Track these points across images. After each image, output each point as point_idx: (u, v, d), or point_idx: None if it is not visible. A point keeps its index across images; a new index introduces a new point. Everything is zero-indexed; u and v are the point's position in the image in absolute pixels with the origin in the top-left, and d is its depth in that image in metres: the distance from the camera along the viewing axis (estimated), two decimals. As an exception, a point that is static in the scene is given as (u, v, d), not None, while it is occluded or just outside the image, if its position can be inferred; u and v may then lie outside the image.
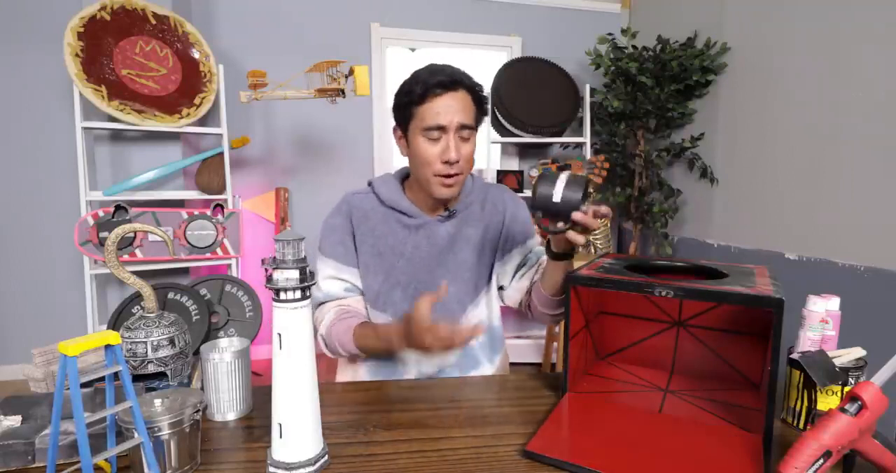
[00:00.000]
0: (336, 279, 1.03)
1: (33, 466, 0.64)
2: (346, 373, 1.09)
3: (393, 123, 1.01)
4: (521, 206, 1.12)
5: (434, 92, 0.90)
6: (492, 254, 1.07)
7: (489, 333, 1.08)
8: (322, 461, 0.64)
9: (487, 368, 1.07)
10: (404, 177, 1.09)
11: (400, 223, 1.02)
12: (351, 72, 2.04)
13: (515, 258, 1.08)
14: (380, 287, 1.02)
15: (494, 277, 1.09)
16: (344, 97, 2.12)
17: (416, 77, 0.93)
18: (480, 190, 1.09)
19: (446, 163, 0.92)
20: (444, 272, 1.03)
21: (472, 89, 0.94)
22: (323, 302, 1.04)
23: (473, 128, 0.95)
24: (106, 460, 0.61)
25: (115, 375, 0.56)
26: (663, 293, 0.72)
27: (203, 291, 1.15)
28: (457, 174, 0.94)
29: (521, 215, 1.10)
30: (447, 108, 0.90)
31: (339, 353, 1.00)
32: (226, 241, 2.32)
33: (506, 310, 1.16)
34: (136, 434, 0.55)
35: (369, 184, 1.09)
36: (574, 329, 0.82)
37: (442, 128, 0.91)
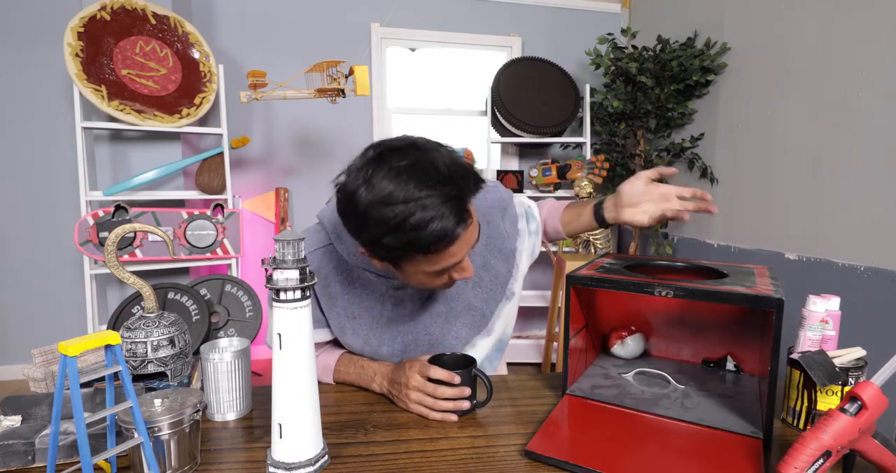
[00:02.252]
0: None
1: (33, 466, 0.64)
2: None
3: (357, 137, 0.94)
4: (511, 208, 0.97)
5: (450, 242, 0.68)
6: (493, 275, 0.93)
7: (497, 344, 0.98)
8: (322, 461, 0.64)
9: (488, 371, 1.06)
10: None
11: (372, 278, 0.87)
12: (351, 72, 2.04)
13: (527, 241, 0.98)
14: (361, 347, 0.90)
15: (514, 286, 0.96)
16: (344, 97, 2.12)
17: (412, 224, 0.64)
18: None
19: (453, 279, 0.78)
20: (433, 315, 0.90)
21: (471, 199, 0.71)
22: None
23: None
24: (106, 460, 0.61)
25: (115, 375, 0.56)
26: (663, 293, 0.72)
27: (203, 291, 1.15)
28: None
29: (511, 223, 0.96)
30: (462, 247, 0.71)
31: None
32: (226, 241, 2.32)
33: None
34: (135, 435, 0.55)
35: (318, 221, 0.90)
36: (574, 329, 0.82)
37: (453, 265, 0.74)
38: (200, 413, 0.64)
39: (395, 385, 0.80)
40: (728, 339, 0.90)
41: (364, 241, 0.71)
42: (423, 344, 0.90)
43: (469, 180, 0.69)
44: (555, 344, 2.65)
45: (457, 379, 0.76)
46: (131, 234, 2.14)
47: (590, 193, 2.39)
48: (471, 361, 0.81)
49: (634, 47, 2.65)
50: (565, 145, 3.01)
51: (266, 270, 0.62)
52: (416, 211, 0.63)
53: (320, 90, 2.09)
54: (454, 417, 0.76)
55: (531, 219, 1.00)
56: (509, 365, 2.69)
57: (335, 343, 0.97)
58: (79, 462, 0.57)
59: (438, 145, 0.71)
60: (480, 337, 0.94)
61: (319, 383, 0.86)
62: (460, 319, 0.91)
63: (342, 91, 2.10)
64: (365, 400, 0.85)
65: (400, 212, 0.63)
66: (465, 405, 0.76)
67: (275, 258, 0.62)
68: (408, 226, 0.64)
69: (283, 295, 0.60)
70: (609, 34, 2.67)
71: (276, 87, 2.12)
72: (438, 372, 0.76)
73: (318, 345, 0.93)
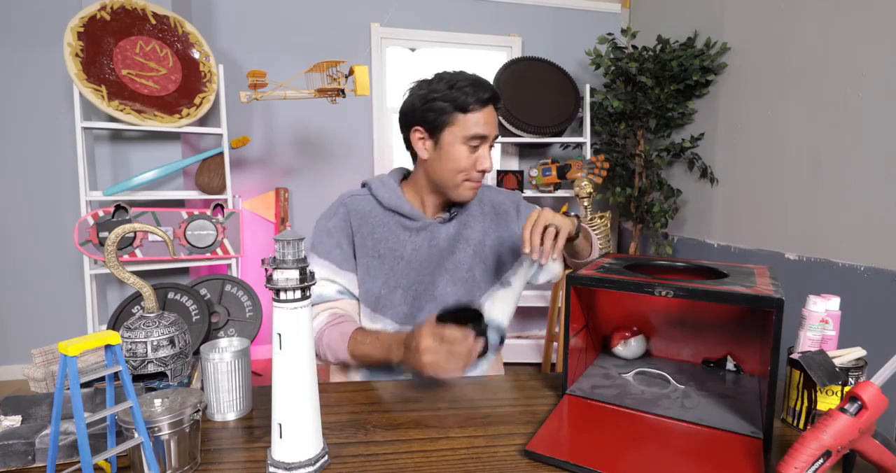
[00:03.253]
0: (329, 281, 1.01)
1: (33, 466, 0.64)
2: (338, 377, 1.07)
3: (389, 124, 1.05)
4: (522, 208, 1.13)
5: (482, 103, 0.94)
6: (494, 255, 1.07)
7: (492, 333, 1.07)
8: (322, 461, 0.64)
9: (483, 366, 1.07)
10: (402, 177, 1.10)
11: (400, 225, 1.03)
12: (351, 72, 2.04)
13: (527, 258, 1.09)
14: (380, 290, 1.01)
15: (512, 277, 1.09)
16: (344, 97, 2.12)
17: (455, 84, 0.94)
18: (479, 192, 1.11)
19: (481, 171, 0.97)
20: (442, 272, 1.03)
21: (498, 103, 1.00)
22: (313, 305, 1.00)
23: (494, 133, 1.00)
24: (106, 460, 0.61)
25: (115, 375, 0.56)
26: (663, 293, 0.72)
27: (203, 291, 1.15)
28: (481, 179, 1.00)
29: (509, 205, 1.12)
30: (490, 120, 0.96)
31: (328, 359, 0.98)
32: (226, 241, 2.32)
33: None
34: (135, 434, 0.55)
35: (363, 185, 1.10)
36: (574, 329, 0.82)
37: (484, 138, 0.96)
38: (200, 413, 0.64)
39: (409, 350, 0.80)
40: (728, 339, 0.90)
41: (418, 117, 0.97)
42: (430, 295, 1.02)
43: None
44: (555, 344, 2.65)
45: (471, 338, 0.77)
46: (131, 234, 2.14)
47: (590, 193, 2.39)
48: (478, 314, 0.83)
49: (634, 47, 2.65)
50: (565, 145, 3.01)
51: (266, 270, 0.62)
52: (462, 75, 0.96)
53: (320, 90, 2.09)
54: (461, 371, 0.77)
55: None
56: (509, 365, 2.69)
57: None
58: (79, 462, 0.57)
59: None
60: (472, 298, 1.05)
61: (324, 362, 0.99)
62: (462, 286, 1.03)
63: (342, 91, 2.10)
64: (365, 400, 0.85)
65: (451, 74, 0.96)
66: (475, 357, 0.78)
67: (275, 258, 0.62)
68: (455, 79, 0.94)
69: (283, 295, 0.60)
70: (609, 34, 2.67)
71: (276, 87, 2.12)
72: (452, 334, 0.77)
73: (333, 313, 0.99)
